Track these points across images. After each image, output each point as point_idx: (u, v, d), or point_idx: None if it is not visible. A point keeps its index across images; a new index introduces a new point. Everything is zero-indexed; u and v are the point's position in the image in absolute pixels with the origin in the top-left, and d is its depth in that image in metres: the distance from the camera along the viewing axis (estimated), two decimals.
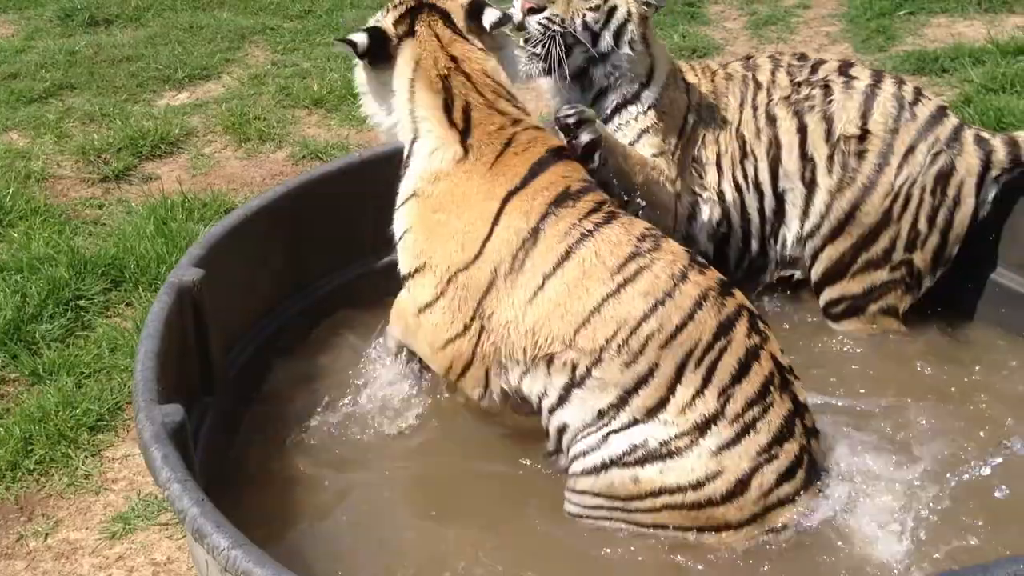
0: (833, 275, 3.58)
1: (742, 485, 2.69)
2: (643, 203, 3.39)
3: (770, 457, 2.70)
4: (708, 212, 3.60)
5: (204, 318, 3.16)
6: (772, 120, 3.52)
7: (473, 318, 2.92)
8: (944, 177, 3.43)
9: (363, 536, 2.91)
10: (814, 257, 3.60)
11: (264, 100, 6.35)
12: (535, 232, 2.83)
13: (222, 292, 3.24)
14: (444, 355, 3.01)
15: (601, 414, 2.78)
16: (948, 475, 2.87)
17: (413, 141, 3.07)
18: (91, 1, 8.11)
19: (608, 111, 3.50)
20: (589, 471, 2.81)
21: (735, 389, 2.70)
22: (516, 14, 3.29)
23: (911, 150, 3.42)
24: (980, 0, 7.07)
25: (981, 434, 3.08)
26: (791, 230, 3.61)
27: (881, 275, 3.54)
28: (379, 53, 3.09)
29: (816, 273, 3.62)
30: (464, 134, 2.98)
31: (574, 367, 2.78)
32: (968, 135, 3.46)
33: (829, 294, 3.62)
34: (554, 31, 3.29)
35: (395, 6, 3.18)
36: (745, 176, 3.58)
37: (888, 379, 3.43)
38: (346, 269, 3.83)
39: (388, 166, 3.57)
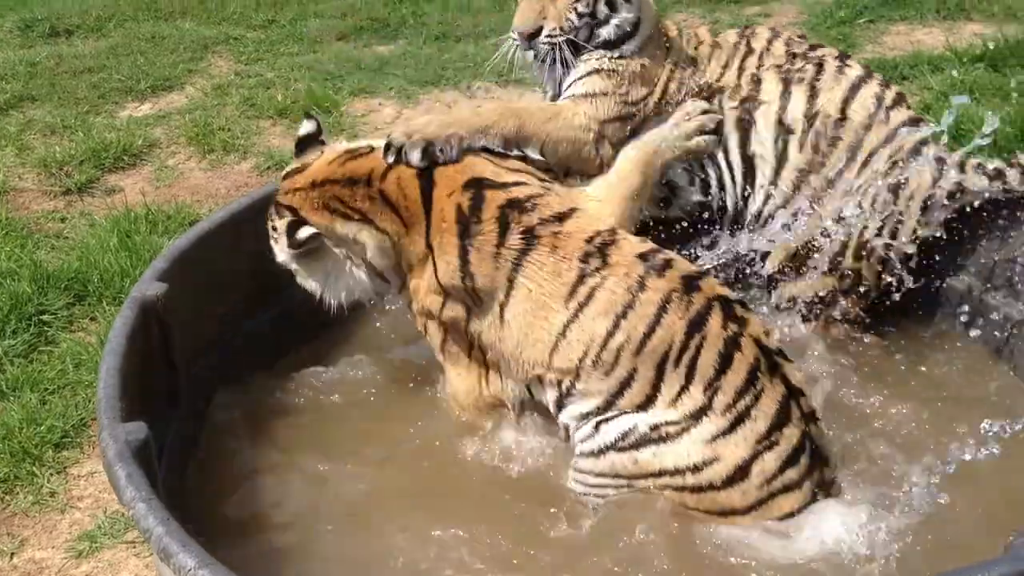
0: (785, 271, 3.55)
1: (742, 471, 2.71)
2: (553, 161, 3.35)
3: (770, 444, 2.72)
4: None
5: (169, 332, 3.14)
6: (757, 82, 3.48)
7: (470, 359, 3.08)
8: (894, 189, 3.40)
9: (335, 550, 2.90)
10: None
11: (228, 111, 6.32)
12: (465, 267, 2.91)
13: (187, 306, 3.22)
14: (472, 411, 3.18)
15: (585, 416, 2.89)
16: (920, 472, 2.92)
17: None
18: (52, 12, 8.05)
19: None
20: (587, 454, 2.88)
21: (721, 381, 2.72)
22: (521, 46, 3.41)
23: (875, 152, 3.41)
24: (938, 8, 7.16)
25: (943, 436, 3.11)
26: (756, 201, 3.53)
27: (829, 281, 3.52)
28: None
29: (770, 263, 3.56)
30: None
31: (559, 383, 2.91)
32: (930, 152, 3.41)
33: (781, 291, 3.61)
34: (556, 41, 3.37)
35: None
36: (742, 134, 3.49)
37: (847, 382, 3.45)
38: None
39: None
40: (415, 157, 3.05)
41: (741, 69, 3.51)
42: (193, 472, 3.14)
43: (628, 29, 3.42)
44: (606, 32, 3.40)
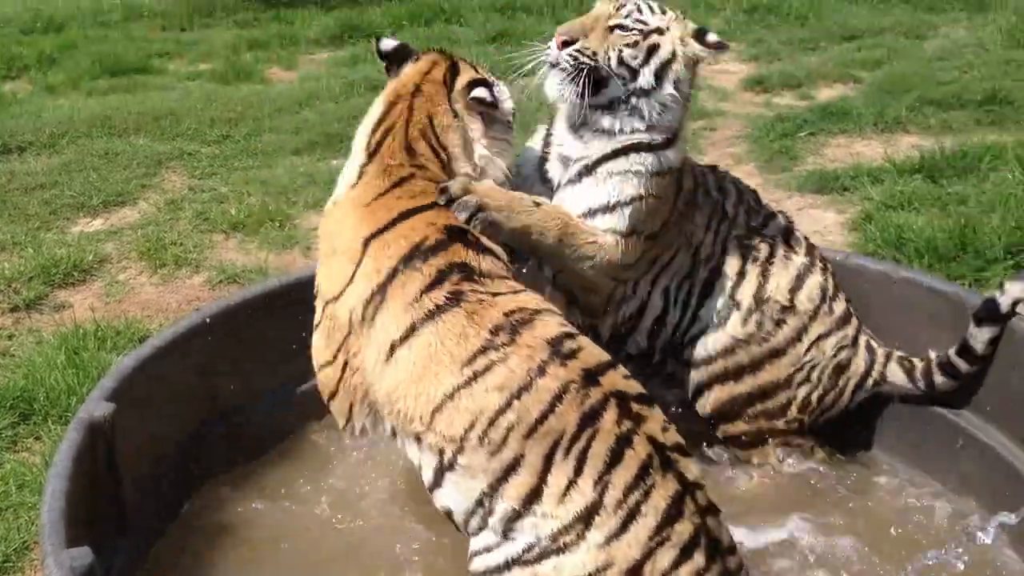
0: (727, 414, 3.68)
1: (634, 573, 2.63)
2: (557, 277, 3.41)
3: (661, 540, 2.65)
4: (628, 308, 3.58)
5: (116, 454, 3.09)
6: (723, 251, 3.59)
7: (339, 351, 2.99)
8: (841, 369, 3.66)
9: None
10: (705, 386, 3.66)
11: (181, 225, 6.33)
12: (383, 290, 2.86)
13: (135, 426, 3.18)
14: (320, 377, 3.11)
15: (479, 502, 2.76)
16: None
17: None
18: (4, 129, 8.07)
19: (620, 144, 3.32)
20: (492, 570, 2.77)
21: (611, 476, 2.65)
22: (552, 51, 3.24)
23: (822, 337, 3.62)
24: (876, 121, 7.39)
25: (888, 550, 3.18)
26: (694, 350, 3.65)
27: (776, 423, 3.69)
28: (395, 63, 3.36)
29: (706, 404, 3.68)
30: (368, 159, 3.11)
31: (441, 451, 2.78)
32: (862, 340, 3.70)
33: (723, 429, 3.72)
34: (583, 64, 3.20)
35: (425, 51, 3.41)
36: (678, 290, 3.60)
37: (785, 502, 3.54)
38: (266, 398, 3.79)
39: (308, 290, 3.59)
40: (463, 214, 2.98)
41: (716, 233, 3.60)
42: None
43: (668, 122, 3.31)
44: (646, 106, 3.26)
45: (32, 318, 5.25)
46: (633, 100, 3.26)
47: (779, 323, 3.58)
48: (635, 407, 2.75)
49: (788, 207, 5.47)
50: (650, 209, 3.33)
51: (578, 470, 2.66)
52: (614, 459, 2.67)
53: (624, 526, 2.65)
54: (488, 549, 2.77)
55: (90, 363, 4.51)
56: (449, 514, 2.86)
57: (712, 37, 3.31)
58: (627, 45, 3.23)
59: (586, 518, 2.65)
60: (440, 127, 3.17)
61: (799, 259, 3.63)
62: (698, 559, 2.69)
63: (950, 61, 8.69)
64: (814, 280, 3.62)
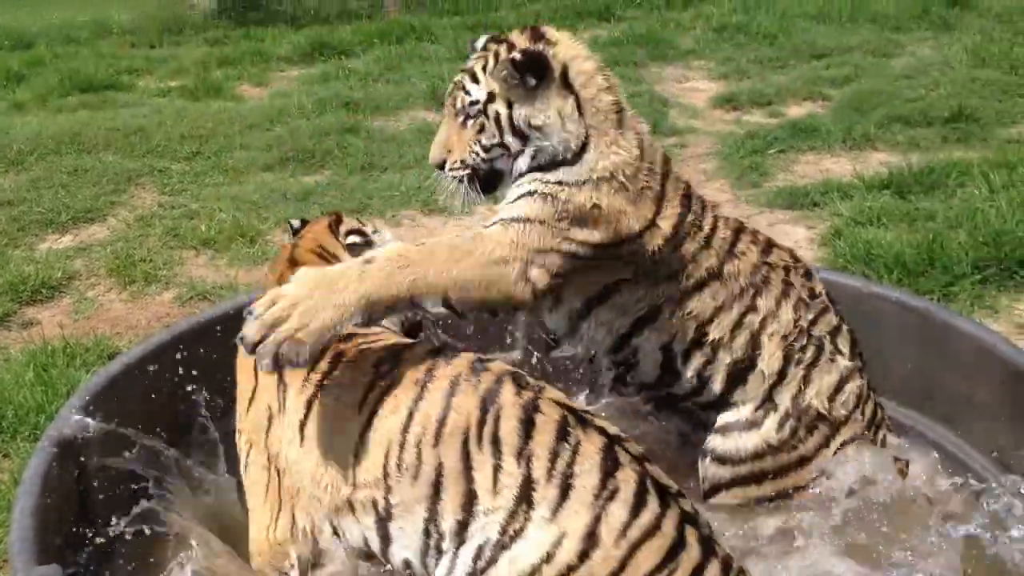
0: (735, 507, 3.41)
1: (592, 537, 2.53)
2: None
3: (609, 496, 2.55)
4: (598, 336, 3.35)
5: (86, 471, 3.06)
6: (756, 346, 3.31)
7: (269, 459, 3.00)
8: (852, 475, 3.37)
9: None
10: (725, 487, 3.39)
11: (151, 242, 6.30)
12: (282, 380, 2.94)
13: (105, 442, 3.15)
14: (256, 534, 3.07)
15: (427, 533, 2.70)
16: None
17: None
18: None
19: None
20: None
21: (531, 446, 2.59)
22: (439, 177, 3.24)
23: (847, 444, 3.36)
24: (845, 138, 7.48)
25: None
26: (722, 442, 3.39)
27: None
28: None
29: (717, 499, 3.41)
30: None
31: (374, 503, 2.76)
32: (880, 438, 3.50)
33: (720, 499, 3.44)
34: (460, 176, 3.20)
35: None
36: (687, 357, 3.33)
37: None
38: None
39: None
40: (266, 364, 2.65)
41: (747, 327, 3.31)
42: None
43: (560, 155, 3.10)
44: (523, 163, 3.14)
45: (0, 335, 5.20)
46: (523, 161, 3.16)
47: (811, 430, 3.33)
48: (530, 381, 2.74)
49: (759, 223, 5.51)
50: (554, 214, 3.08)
51: (497, 453, 2.61)
52: (528, 429, 2.62)
53: (564, 493, 2.56)
54: (450, 572, 2.70)
55: (59, 380, 4.47)
56: (410, 565, 2.80)
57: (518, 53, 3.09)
58: (478, 132, 3.16)
59: (524, 497, 2.58)
60: (330, 247, 3.42)
61: (843, 363, 3.36)
62: (652, 505, 2.58)
63: (917, 79, 8.81)
64: (852, 386, 3.36)
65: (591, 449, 2.60)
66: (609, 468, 2.58)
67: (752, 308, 3.32)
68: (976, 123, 7.59)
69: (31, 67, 11.18)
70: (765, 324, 3.31)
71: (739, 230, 3.42)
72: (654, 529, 2.55)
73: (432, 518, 2.69)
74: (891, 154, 7.21)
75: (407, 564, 2.80)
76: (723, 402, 3.38)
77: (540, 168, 3.14)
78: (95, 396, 3.22)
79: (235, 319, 3.72)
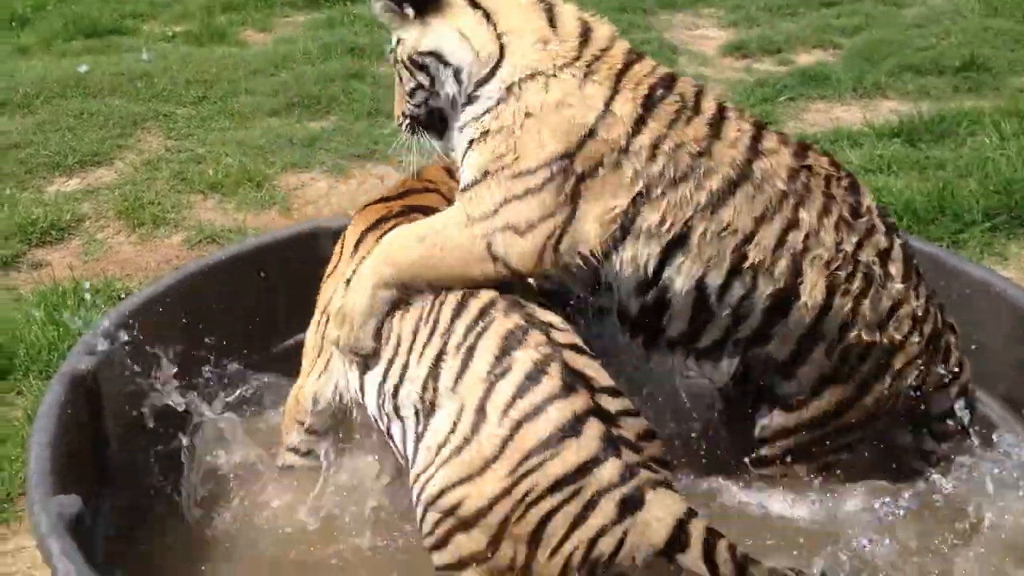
0: (795, 452, 3.12)
1: (481, 411, 2.60)
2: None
3: (500, 372, 2.62)
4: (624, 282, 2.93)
5: (100, 407, 3.09)
6: (797, 271, 2.91)
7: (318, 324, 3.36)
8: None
9: None
10: (783, 432, 3.11)
11: (158, 185, 6.27)
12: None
13: (118, 379, 3.17)
14: None
15: (378, 392, 2.91)
16: None
17: None
18: None
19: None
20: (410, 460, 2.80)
21: (455, 324, 2.74)
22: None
23: (906, 367, 3.07)
24: (855, 87, 7.43)
25: None
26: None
27: (842, 454, 3.18)
28: None
29: (778, 448, 3.14)
30: None
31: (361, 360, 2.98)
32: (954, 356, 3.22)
33: (778, 464, 3.17)
34: (404, 125, 3.13)
35: None
36: (744, 296, 2.92)
37: None
38: (246, 354, 3.78)
39: (287, 249, 3.60)
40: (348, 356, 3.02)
41: (781, 245, 2.89)
42: (129, 548, 3.06)
43: (477, 77, 2.85)
44: (449, 99, 2.94)
45: (10, 276, 5.23)
46: (448, 98, 2.98)
47: (863, 357, 3.01)
48: (530, 311, 2.78)
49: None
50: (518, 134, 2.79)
51: (432, 332, 2.77)
52: (458, 310, 2.76)
53: (464, 365, 2.67)
54: (402, 436, 2.85)
55: (70, 320, 4.48)
56: (376, 420, 2.97)
57: None
58: (399, 81, 3.09)
59: (434, 368, 2.72)
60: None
61: (894, 288, 3.01)
62: (544, 388, 2.59)
63: (928, 28, 8.72)
64: (906, 309, 3.03)
65: (500, 328, 2.68)
66: (508, 346, 2.65)
67: (794, 223, 2.89)
68: (988, 72, 7.54)
69: (35, 11, 11.05)
70: (808, 245, 2.89)
71: (760, 125, 3.02)
72: (537, 412, 2.57)
73: (384, 380, 2.88)
74: (902, 103, 7.17)
75: (374, 418, 3.00)
76: (762, 338, 2.99)
77: (470, 101, 2.89)
78: (107, 334, 3.23)
79: (243, 261, 3.77)
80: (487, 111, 2.82)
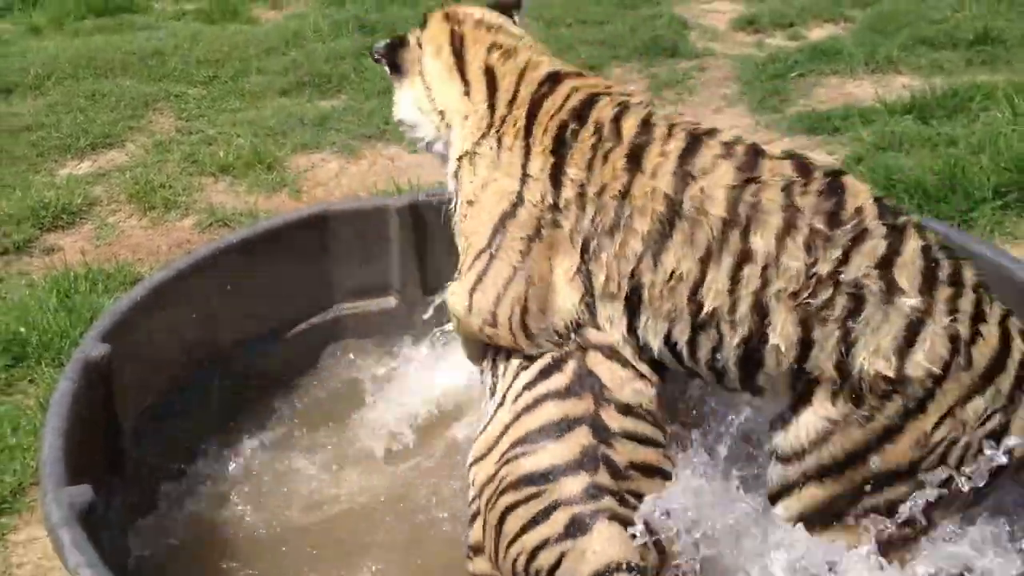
0: (818, 522, 2.61)
1: (503, 399, 2.73)
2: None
3: (530, 362, 2.76)
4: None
5: (113, 394, 3.12)
6: (762, 312, 2.51)
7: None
8: (995, 436, 2.52)
9: None
10: (786, 489, 2.64)
11: (169, 168, 6.29)
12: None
13: (131, 366, 3.20)
14: None
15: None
16: None
17: None
18: None
19: None
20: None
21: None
22: None
23: (961, 403, 2.48)
24: (867, 62, 7.36)
25: None
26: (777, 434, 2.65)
27: (887, 525, 2.57)
28: None
29: (790, 510, 2.64)
30: None
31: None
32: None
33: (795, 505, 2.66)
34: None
35: None
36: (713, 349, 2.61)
37: None
38: (259, 339, 3.80)
39: (299, 233, 3.61)
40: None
41: (734, 281, 2.54)
42: (140, 538, 3.10)
43: (441, 151, 3.02)
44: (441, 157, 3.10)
45: (22, 261, 5.26)
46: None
47: (885, 396, 2.47)
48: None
49: (779, 149, 5.45)
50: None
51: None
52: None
53: (508, 356, 2.79)
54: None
55: (82, 306, 4.52)
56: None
57: None
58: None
59: (494, 360, 2.85)
60: None
61: (907, 302, 2.45)
62: (554, 381, 2.66)
63: (941, 0, 8.62)
64: (935, 329, 2.44)
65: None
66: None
67: (747, 255, 2.50)
68: (1001, 45, 7.44)
69: None
70: (767, 278, 2.49)
71: (695, 135, 2.63)
72: (536, 405, 2.61)
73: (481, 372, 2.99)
74: (914, 77, 7.09)
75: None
76: (752, 391, 2.65)
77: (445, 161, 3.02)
78: (120, 320, 3.26)
79: (255, 244, 3.79)
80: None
